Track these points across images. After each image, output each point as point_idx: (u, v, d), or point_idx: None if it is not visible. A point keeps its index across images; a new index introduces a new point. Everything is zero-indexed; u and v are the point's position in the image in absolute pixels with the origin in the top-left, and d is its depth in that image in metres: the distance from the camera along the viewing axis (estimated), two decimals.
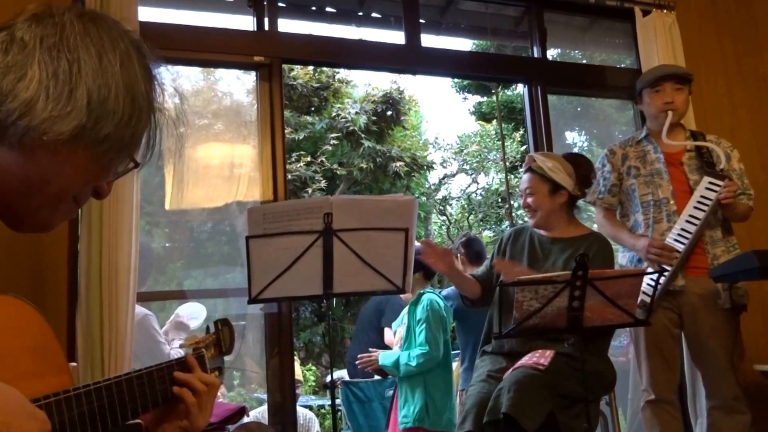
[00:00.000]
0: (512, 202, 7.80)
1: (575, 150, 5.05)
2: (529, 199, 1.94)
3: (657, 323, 2.03)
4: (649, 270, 1.87)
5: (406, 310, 2.68)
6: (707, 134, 2.21)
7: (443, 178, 8.92)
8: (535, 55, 2.84)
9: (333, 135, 6.81)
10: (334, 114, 6.96)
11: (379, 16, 2.87)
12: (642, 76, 2.26)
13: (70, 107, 0.58)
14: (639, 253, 2.06)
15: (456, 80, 8.24)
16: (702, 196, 1.98)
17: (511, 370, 1.69)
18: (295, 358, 2.92)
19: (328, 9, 2.80)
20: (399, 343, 2.66)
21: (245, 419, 1.69)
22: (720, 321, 1.99)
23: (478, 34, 3.67)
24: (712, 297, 2.00)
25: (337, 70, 6.83)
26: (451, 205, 8.99)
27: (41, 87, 0.58)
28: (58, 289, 1.85)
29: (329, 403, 2.02)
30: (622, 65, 3.20)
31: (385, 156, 6.93)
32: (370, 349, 2.73)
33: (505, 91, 8.16)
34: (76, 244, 1.87)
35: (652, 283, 1.99)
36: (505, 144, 7.69)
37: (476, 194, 8.81)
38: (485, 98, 8.61)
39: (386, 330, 3.33)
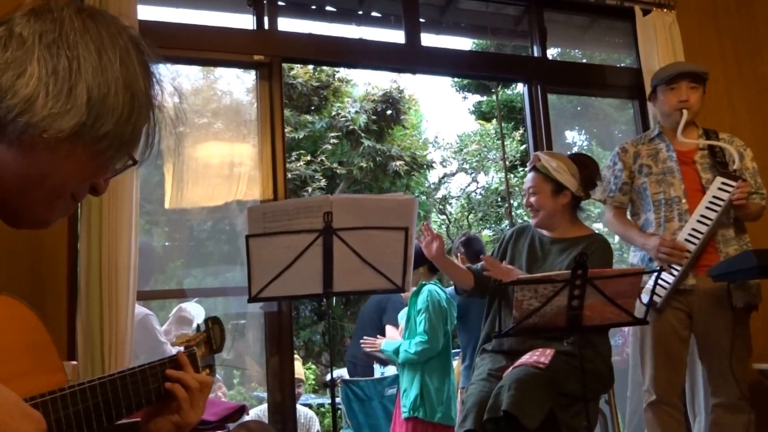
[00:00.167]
0: (512, 202, 7.80)
1: (575, 149, 5.05)
2: (532, 199, 1.93)
3: (665, 324, 2.03)
4: (648, 269, 1.87)
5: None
6: (718, 133, 2.19)
7: (443, 177, 8.92)
8: (535, 55, 2.84)
9: (333, 134, 6.81)
10: (333, 113, 6.96)
11: (379, 15, 2.86)
12: (656, 74, 2.24)
13: (69, 105, 0.58)
14: (649, 252, 2.04)
15: (456, 79, 8.23)
16: (714, 197, 1.97)
17: (511, 368, 1.69)
18: (297, 357, 2.93)
19: (328, 8, 2.80)
20: (401, 334, 2.67)
21: (245, 418, 1.69)
22: (730, 319, 1.97)
23: (478, 34, 3.67)
24: (724, 295, 1.98)
25: (336, 69, 6.82)
26: (450, 204, 8.99)
27: (41, 84, 0.57)
28: (58, 287, 1.85)
29: (329, 401, 2.03)
30: (622, 64, 3.20)
31: (384, 155, 6.93)
32: (378, 336, 2.76)
33: (505, 90, 8.15)
34: (75, 242, 1.87)
35: (663, 283, 2.00)
36: (505, 143, 7.69)
37: (476, 193, 8.81)
38: (485, 97, 8.61)
39: (388, 327, 3.33)
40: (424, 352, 2.41)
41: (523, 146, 7.47)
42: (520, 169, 7.56)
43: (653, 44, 2.65)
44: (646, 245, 2.05)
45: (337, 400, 2.81)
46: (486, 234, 8.19)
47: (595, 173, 1.99)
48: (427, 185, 8.61)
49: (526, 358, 1.70)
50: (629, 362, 2.98)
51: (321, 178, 6.58)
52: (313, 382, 6.09)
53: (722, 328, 1.98)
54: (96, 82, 0.59)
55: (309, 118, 6.89)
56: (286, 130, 2.44)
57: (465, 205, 8.83)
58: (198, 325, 0.93)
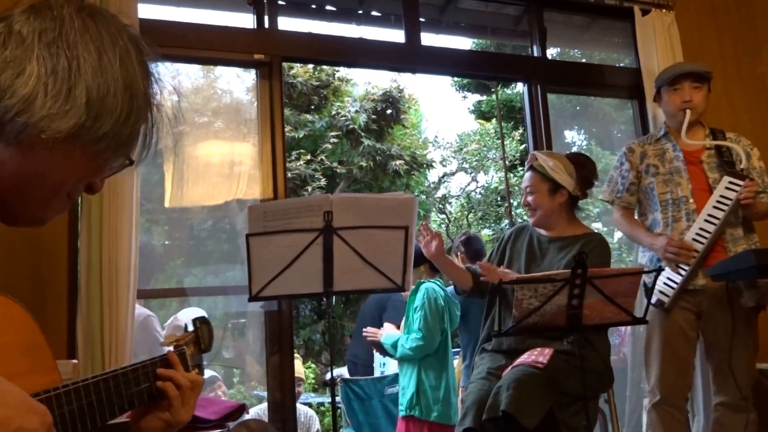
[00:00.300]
0: (511, 201, 7.80)
1: (574, 149, 5.06)
2: (530, 198, 1.94)
3: (673, 324, 2.03)
4: (648, 269, 1.88)
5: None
6: (725, 132, 2.18)
7: (443, 177, 8.92)
8: (535, 54, 2.85)
9: (333, 133, 6.81)
10: (333, 112, 6.96)
11: (379, 14, 2.86)
12: (660, 74, 2.24)
13: (68, 105, 0.58)
14: (657, 252, 2.04)
15: (456, 79, 8.23)
16: (722, 196, 1.97)
17: (510, 368, 1.70)
18: (297, 356, 2.93)
19: (328, 7, 2.80)
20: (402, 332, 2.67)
21: (245, 416, 1.69)
22: (738, 319, 1.97)
23: (478, 33, 3.67)
24: (733, 295, 1.97)
25: (336, 68, 6.82)
26: (450, 203, 9.00)
27: (40, 83, 0.57)
28: (59, 286, 1.85)
29: (329, 400, 2.03)
30: (621, 64, 3.20)
31: (384, 154, 6.93)
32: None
33: (505, 89, 8.16)
34: (76, 241, 1.87)
35: (671, 283, 2.00)
36: (505, 143, 7.70)
37: (475, 193, 8.81)
38: (485, 97, 8.61)
39: (386, 325, 3.33)
40: (418, 348, 2.41)
41: (523, 146, 7.48)
42: (520, 168, 7.56)
43: (652, 44, 2.65)
44: (654, 245, 2.05)
45: (337, 399, 2.81)
46: (485, 233, 8.20)
47: (592, 173, 1.99)
48: (426, 184, 8.62)
49: (524, 358, 1.70)
50: (627, 362, 2.99)
51: (321, 177, 6.58)
52: (313, 381, 6.10)
53: (731, 328, 1.97)
54: (95, 83, 0.59)
55: (309, 117, 6.89)
56: (286, 130, 2.44)
57: (465, 204, 8.83)
58: (186, 325, 0.93)
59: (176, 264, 2.67)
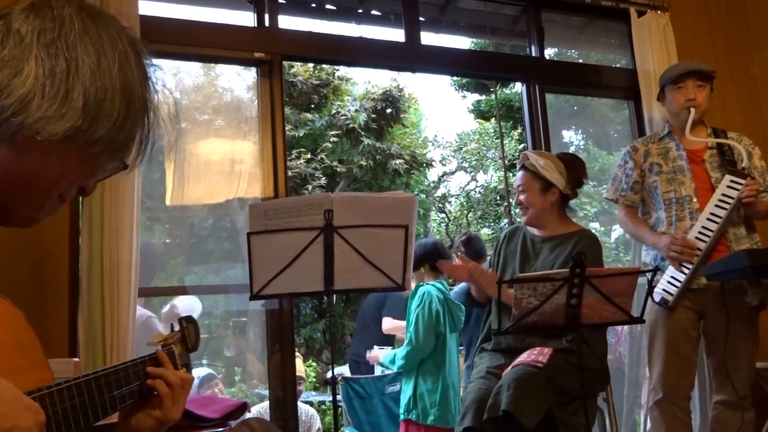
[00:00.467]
0: (511, 200, 7.81)
1: (572, 149, 5.08)
2: (522, 197, 1.96)
3: (676, 323, 2.03)
4: (645, 269, 1.89)
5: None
6: (726, 132, 2.20)
7: (442, 176, 8.93)
8: (533, 54, 2.86)
9: (333, 132, 6.81)
10: (333, 111, 6.96)
11: (378, 13, 2.87)
12: (664, 73, 2.25)
13: (65, 108, 0.57)
14: (660, 251, 2.05)
15: (455, 78, 8.24)
16: (723, 194, 1.98)
17: (510, 367, 1.71)
18: (297, 354, 2.94)
19: (328, 6, 2.80)
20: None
21: (247, 415, 1.70)
22: (740, 318, 1.98)
23: (477, 33, 3.68)
24: (736, 294, 1.98)
25: (336, 67, 6.82)
26: (450, 202, 9.00)
27: (37, 84, 0.57)
28: (60, 284, 1.85)
29: (330, 399, 2.03)
30: (618, 65, 3.21)
31: (384, 153, 6.93)
32: (374, 348, 2.77)
33: (504, 89, 8.16)
34: (77, 239, 1.88)
35: (675, 282, 2.01)
36: (504, 142, 7.71)
37: (475, 192, 8.82)
38: (484, 96, 8.62)
39: (385, 319, 3.34)
40: (410, 357, 2.41)
41: (522, 145, 7.48)
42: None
43: (648, 45, 2.67)
44: (657, 244, 2.05)
45: (338, 397, 2.82)
46: (485, 232, 8.21)
47: (582, 172, 2.01)
48: (426, 184, 8.62)
49: (524, 357, 1.72)
50: (625, 361, 3.00)
51: (321, 176, 6.58)
52: (314, 380, 6.11)
53: (733, 327, 1.98)
54: (93, 87, 0.59)
55: (309, 116, 6.89)
56: (286, 128, 2.45)
57: (464, 203, 8.84)
58: (172, 325, 0.93)
59: (177, 262, 2.67)
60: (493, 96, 8.17)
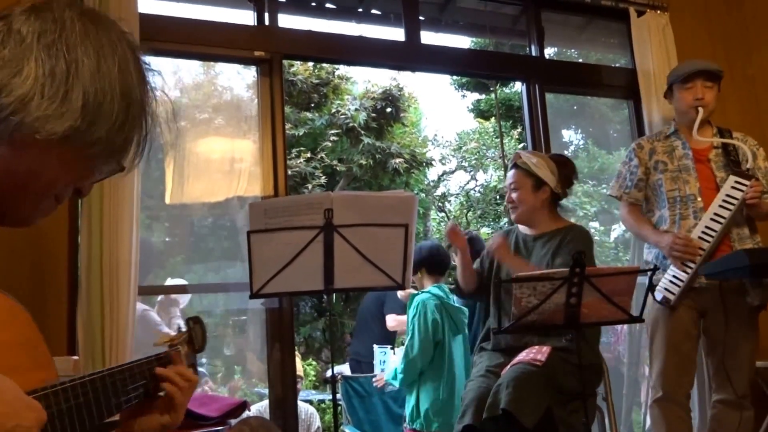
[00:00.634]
0: None
1: (572, 148, 5.09)
2: (514, 194, 1.98)
3: (677, 322, 2.04)
4: (643, 268, 1.89)
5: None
6: (732, 132, 2.20)
7: (442, 175, 8.92)
8: (533, 54, 2.86)
9: (333, 131, 6.80)
10: (333, 110, 6.95)
11: (378, 12, 2.87)
12: (672, 71, 2.25)
13: (64, 108, 0.58)
14: (663, 249, 2.05)
15: (455, 77, 8.23)
16: (728, 195, 1.99)
17: (508, 366, 1.71)
18: (296, 353, 2.94)
19: (328, 5, 2.80)
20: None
21: (246, 414, 1.70)
22: (741, 317, 1.99)
23: (477, 32, 3.68)
24: (737, 293, 1.99)
25: (336, 66, 6.81)
26: (449, 201, 9.00)
27: (37, 84, 0.57)
28: (59, 282, 1.85)
29: (330, 397, 2.04)
30: (617, 65, 3.21)
31: (384, 152, 6.93)
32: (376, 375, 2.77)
33: (503, 88, 8.16)
34: (76, 237, 1.88)
35: (676, 281, 2.02)
36: (504, 141, 7.71)
37: (475, 191, 8.82)
38: (484, 96, 8.61)
39: (388, 318, 3.34)
40: (407, 369, 2.40)
41: (522, 144, 7.48)
42: None
43: (647, 45, 2.67)
44: (660, 243, 2.05)
45: (338, 396, 2.83)
46: (484, 231, 8.21)
47: (572, 172, 2.03)
48: (426, 183, 8.62)
49: (522, 356, 1.72)
50: (624, 360, 3.00)
51: (321, 175, 6.58)
52: (314, 379, 6.11)
53: (733, 326, 1.99)
54: (93, 88, 0.59)
55: (309, 115, 6.88)
56: (286, 127, 2.45)
57: (464, 202, 8.84)
58: (179, 325, 0.94)
59: (177, 261, 2.67)
60: (492, 95, 8.16)
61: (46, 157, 0.60)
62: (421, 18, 2.64)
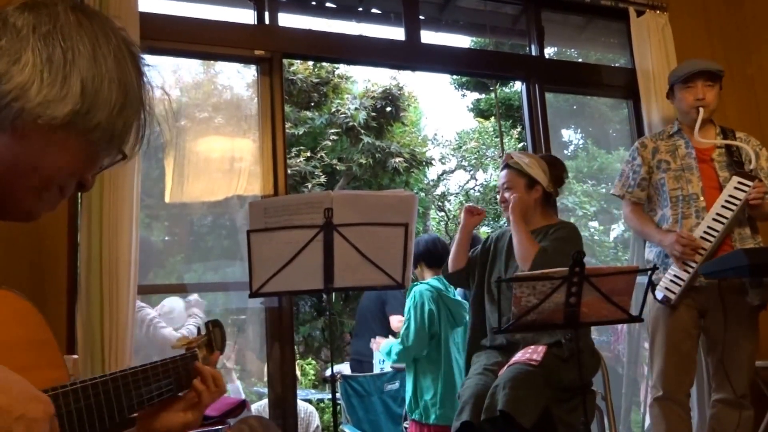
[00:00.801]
0: None
1: (571, 148, 5.09)
2: (507, 194, 2.00)
3: (678, 321, 2.04)
4: (642, 268, 1.89)
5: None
6: (735, 131, 2.20)
7: (442, 174, 8.92)
8: (533, 53, 2.86)
9: (332, 130, 6.80)
10: (333, 109, 6.94)
11: (379, 12, 2.87)
12: (673, 71, 2.26)
13: (64, 92, 0.59)
14: (665, 248, 2.05)
15: (455, 77, 8.23)
16: (731, 195, 2.00)
17: (505, 366, 1.72)
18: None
19: (329, 4, 2.80)
20: None
21: (246, 413, 1.70)
22: (741, 317, 1.99)
23: (477, 31, 3.68)
24: (737, 293, 1.99)
25: (336, 65, 6.81)
26: (449, 201, 9.00)
27: (36, 71, 0.58)
28: (58, 281, 1.85)
29: (329, 396, 2.04)
30: (617, 64, 3.22)
31: (384, 152, 6.92)
32: (377, 338, 2.79)
33: (503, 88, 8.16)
34: (76, 236, 1.88)
35: (677, 280, 2.02)
36: (503, 141, 7.71)
37: (474, 190, 8.82)
38: (483, 95, 8.61)
39: (392, 318, 3.34)
40: (401, 355, 2.41)
41: (521, 144, 7.48)
42: None
43: (647, 45, 2.68)
44: (663, 242, 2.06)
45: (337, 395, 2.83)
46: (484, 231, 8.21)
47: (563, 171, 2.06)
48: (426, 182, 8.61)
49: (518, 356, 1.73)
50: (623, 360, 3.01)
51: (321, 174, 6.57)
52: (313, 378, 6.11)
53: (734, 326, 1.99)
54: (90, 74, 0.60)
55: (309, 114, 6.87)
56: (286, 126, 2.45)
57: (464, 201, 8.83)
58: (199, 328, 0.94)
59: (176, 260, 2.67)
60: (492, 95, 8.16)
61: (48, 144, 0.60)
62: (421, 17, 2.64)
